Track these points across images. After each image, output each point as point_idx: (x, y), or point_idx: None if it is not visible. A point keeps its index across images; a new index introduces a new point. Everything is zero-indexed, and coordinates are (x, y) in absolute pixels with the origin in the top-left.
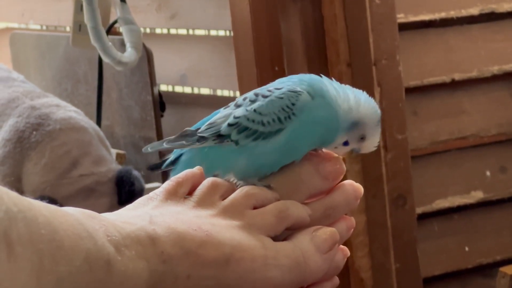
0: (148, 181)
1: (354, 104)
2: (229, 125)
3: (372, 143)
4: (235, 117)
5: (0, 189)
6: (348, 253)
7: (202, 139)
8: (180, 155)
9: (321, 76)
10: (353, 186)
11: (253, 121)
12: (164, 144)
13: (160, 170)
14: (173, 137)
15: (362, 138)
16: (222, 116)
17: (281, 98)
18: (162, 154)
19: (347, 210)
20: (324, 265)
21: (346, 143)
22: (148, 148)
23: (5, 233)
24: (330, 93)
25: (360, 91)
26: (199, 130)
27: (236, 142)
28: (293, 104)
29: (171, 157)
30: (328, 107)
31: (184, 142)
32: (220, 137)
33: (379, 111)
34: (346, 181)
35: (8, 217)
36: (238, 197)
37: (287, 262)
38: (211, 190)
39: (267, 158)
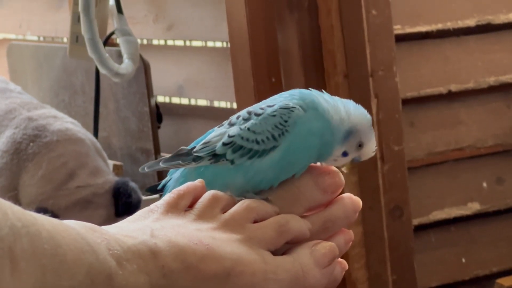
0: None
1: (345, 114)
2: (224, 144)
3: (370, 148)
4: (229, 136)
5: (4, 203)
6: (346, 267)
7: (197, 158)
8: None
9: (310, 90)
10: (352, 200)
11: (248, 139)
12: (160, 163)
13: (157, 193)
14: (169, 156)
15: (360, 146)
16: (216, 135)
17: (274, 115)
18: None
19: (345, 223)
20: (323, 279)
21: (345, 154)
22: (145, 168)
23: (10, 249)
24: (322, 105)
25: (348, 100)
26: (195, 149)
27: (232, 161)
28: (285, 121)
29: (168, 178)
30: (321, 118)
31: (180, 161)
32: (215, 156)
33: (369, 115)
34: (345, 194)
35: (13, 233)
36: (238, 211)
37: (287, 276)
38: (212, 203)
39: (264, 175)
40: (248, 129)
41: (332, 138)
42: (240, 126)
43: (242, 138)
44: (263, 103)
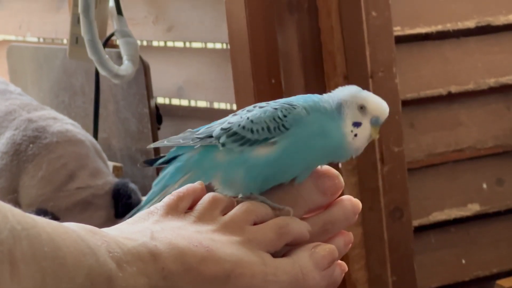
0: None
1: (329, 98)
2: (222, 129)
3: (377, 103)
4: (229, 123)
5: (4, 206)
6: (346, 268)
7: (196, 139)
8: (175, 157)
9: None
10: (352, 201)
11: (244, 127)
12: (165, 141)
13: (152, 166)
14: (175, 136)
15: (362, 108)
16: (219, 122)
17: (275, 109)
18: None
19: (345, 225)
20: (323, 281)
21: (357, 124)
22: (151, 145)
23: (10, 251)
24: (323, 105)
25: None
26: (198, 132)
27: (223, 144)
28: (284, 116)
29: (166, 156)
30: (323, 118)
31: (181, 140)
32: (210, 138)
33: (355, 86)
34: (345, 196)
35: (13, 236)
36: (238, 213)
37: (286, 278)
38: (211, 205)
39: (260, 172)
40: (247, 118)
41: (334, 125)
42: (242, 115)
43: (239, 125)
44: (271, 102)
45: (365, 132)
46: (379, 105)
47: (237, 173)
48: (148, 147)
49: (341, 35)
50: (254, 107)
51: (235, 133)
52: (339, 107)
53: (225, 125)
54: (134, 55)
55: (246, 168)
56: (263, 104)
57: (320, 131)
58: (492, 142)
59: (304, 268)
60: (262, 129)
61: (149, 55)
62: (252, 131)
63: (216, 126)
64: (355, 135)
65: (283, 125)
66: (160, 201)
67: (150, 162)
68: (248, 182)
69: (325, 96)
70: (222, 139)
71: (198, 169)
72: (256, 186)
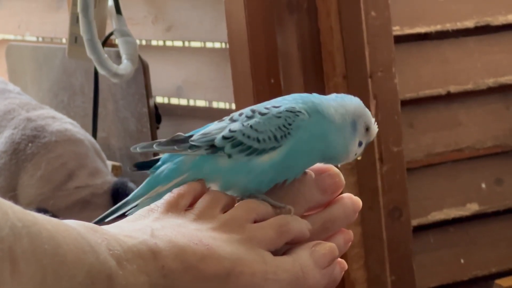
0: None
1: (342, 109)
2: (224, 137)
3: (374, 127)
4: (230, 131)
5: (4, 203)
6: (346, 267)
7: (194, 147)
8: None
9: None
10: (352, 200)
11: (249, 137)
12: (155, 146)
13: (145, 170)
14: (164, 140)
15: (367, 129)
16: (216, 128)
17: (279, 117)
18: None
19: (345, 223)
20: (323, 280)
21: (360, 144)
22: (137, 148)
23: (10, 249)
24: (325, 109)
25: (331, 95)
26: (192, 138)
27: (229, 155)
28: (289, 124)
29: (160, 161)
30: (324, 121)
31: (175, 147)
32: (213, 147)
33: (358, 99)
34: (345, 194)
35: (13, 233)
36: (239, 211)
37: (286, 277)
38: (212, 203)
39: (265, 176)
40: (251, 126)
41: (341, 137)
42: (243, 123)
43: (243, 134)
44: (268, 103)
45: (360, 152)
46: (375, 130)
47: (240, 179)
48: (133, 150)
49: (341, 35)
50: (253, 112)
51: (240, 143)
52: (354, 124)
53: (226, 133)
54: (133, 54)
55: (251, 175)
56: (261, 108)
57: (320, 134)
58: (491, 142)
59: (305, 267)
60: (269, 138)
61: (148, 55)
62: (258, 140)
63: (215, 132)
64: (355, 154)
65: (289, 133)
66: (149, 199)
67: (141, 166)
68: (251, 186)
69: (332, 102)
70: (227, 150)
71: (196, 172)
72: (259, 189)
